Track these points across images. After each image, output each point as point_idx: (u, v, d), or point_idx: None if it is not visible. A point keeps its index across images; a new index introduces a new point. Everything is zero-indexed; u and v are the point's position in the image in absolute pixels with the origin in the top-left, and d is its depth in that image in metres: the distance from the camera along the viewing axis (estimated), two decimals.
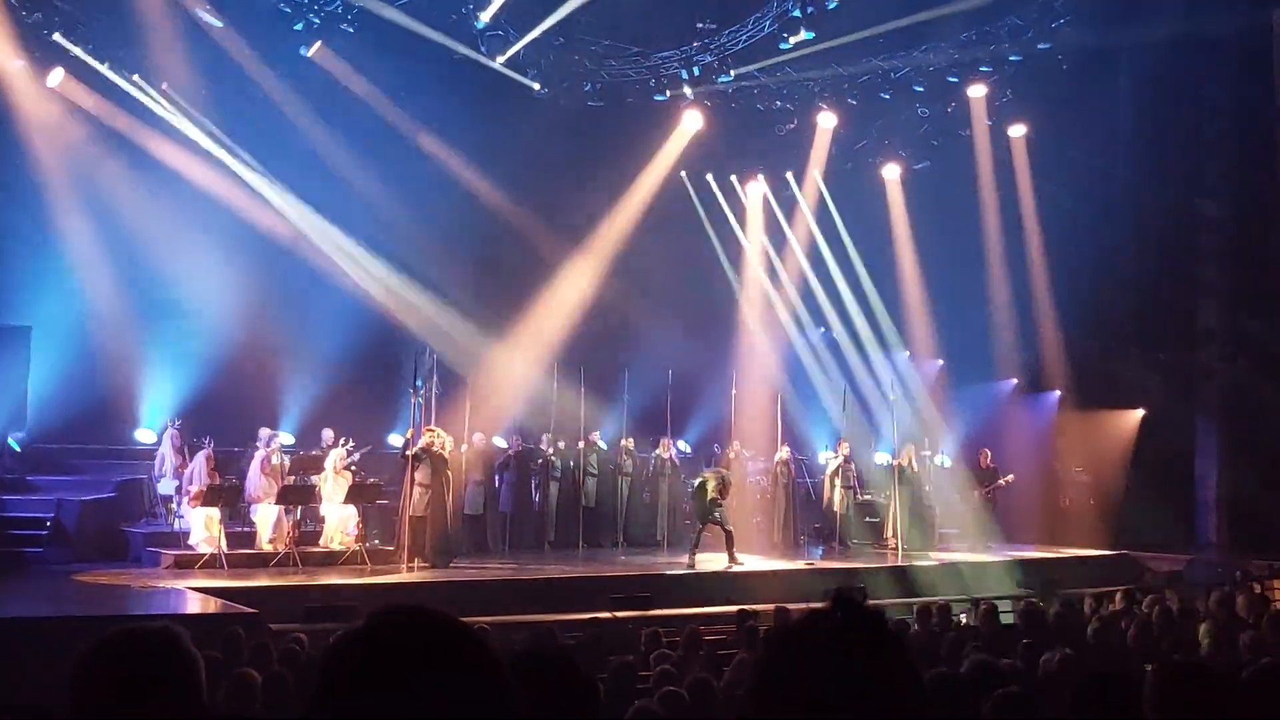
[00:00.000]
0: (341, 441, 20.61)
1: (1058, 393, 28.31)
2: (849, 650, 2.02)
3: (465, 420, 21.92)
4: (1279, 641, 10.65)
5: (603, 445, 24.85)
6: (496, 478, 23.31)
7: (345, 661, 1.94)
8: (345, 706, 1.89)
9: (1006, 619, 14.31)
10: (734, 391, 25.68)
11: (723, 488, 20.85)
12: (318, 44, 22.66)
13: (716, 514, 20.69)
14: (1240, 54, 26.10)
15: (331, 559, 19.12)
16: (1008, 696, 5.36)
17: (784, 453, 24.81)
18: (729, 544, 20.61)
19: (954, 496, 26.53)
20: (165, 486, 20.80)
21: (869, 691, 1.99)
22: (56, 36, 21.30)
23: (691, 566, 20.34)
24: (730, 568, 20.26)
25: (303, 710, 1.97)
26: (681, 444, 26.39)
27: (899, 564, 22.23)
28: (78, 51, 21.64)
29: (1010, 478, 25.29)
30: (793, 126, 26.93)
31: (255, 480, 19.79)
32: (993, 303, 28.15)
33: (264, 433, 20.82)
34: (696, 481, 21.45)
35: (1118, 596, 16.22)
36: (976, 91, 26.06)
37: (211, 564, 17.95)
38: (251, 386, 22.84)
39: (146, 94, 22.54)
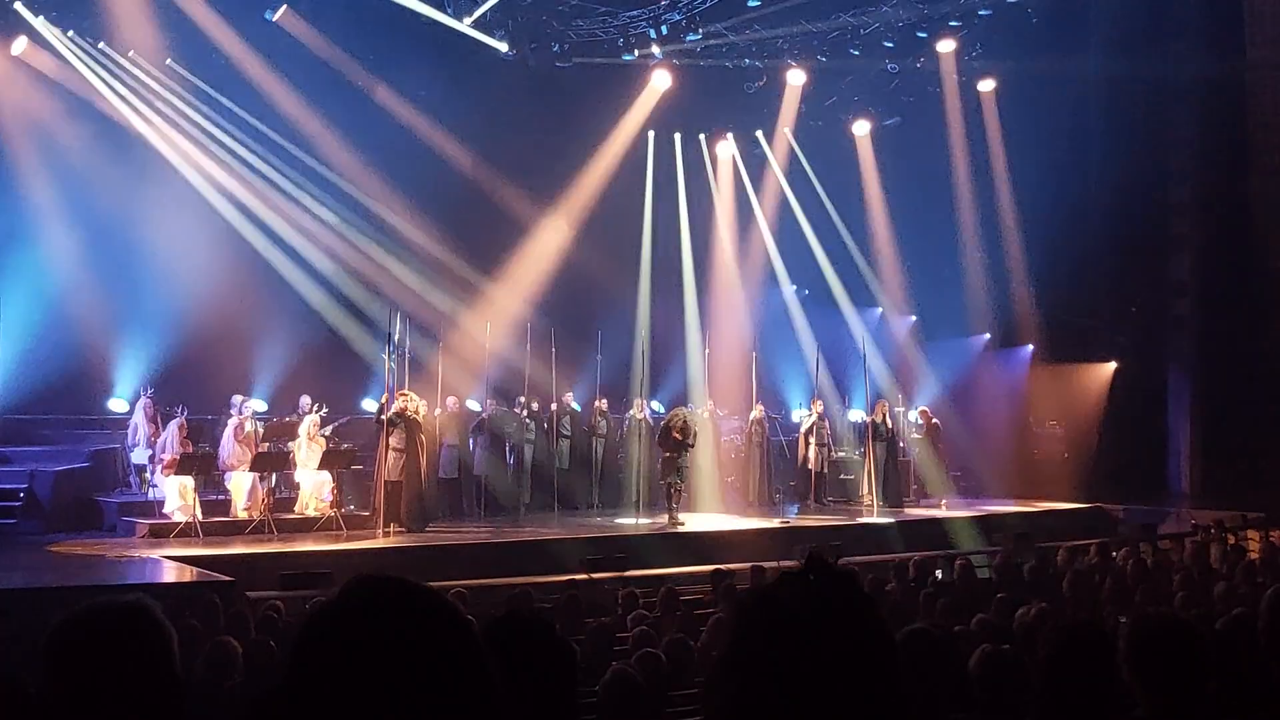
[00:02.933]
0: (316, 408, 20.58)
1: (1030, 347, 28.40)
2: (820, 612, 2.02)
3: (438, 384, 21.89)
4: (1252, 592, 10.73)
5: (576, 407, 24.87)
6: (471, 441, 23.26)
7: (318, 634, 1.93)
8: (319, 678, 1.88)
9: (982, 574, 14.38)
10: (707, 351, 25.71)
11: (684, 428, 20.87)
12: (283, 8, 22.53)
13: (681, 460, 20.73)
14: (1209, 2, 26.14)
15: (307, 525, 19.09)
16: (995, 654, 5.38)
17: (758, 411, 24.83)
18: (676, 500, 20.70)
19: (928, 452, 26.69)
20: (139, 455, 20.73)
21: (840, 653, 1.99)
22: (18, 5, 21.13)
23: (674, 525, 20.40)
24: (668, 527, 20.34)
25: (278, 679, 1.96)
26: (655, 404, 26.37)
27: (874, 520, 22.32)
28: (41, 20, 21.49)
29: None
30: (762, 84, 26.89)
31: (229, 448, 19.71)
32: (965, 258, 28.19)
33: (236, 399, 20.76)
34: (662, 424, 21.49)
35: (1092, 549, 16.33)
36: (946, 46, 26.06)
37: (186, 532, 17.89)
38: (223, 353, 22.72)
39: (111, 61, 22.40)
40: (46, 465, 20.19)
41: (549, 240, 26.23)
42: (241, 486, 19.37)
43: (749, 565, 14.69)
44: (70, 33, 22.01)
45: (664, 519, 20.89)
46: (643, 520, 21.73)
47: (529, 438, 23.94)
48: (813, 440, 24.49)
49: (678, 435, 20.72)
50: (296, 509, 19.77)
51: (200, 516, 18.35)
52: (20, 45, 21.52)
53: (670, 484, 20.91)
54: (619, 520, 22.11)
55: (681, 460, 20.86)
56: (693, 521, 20.91)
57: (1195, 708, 4.14)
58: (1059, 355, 27.87)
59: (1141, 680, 4.19)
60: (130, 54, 22.44)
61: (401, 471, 19.16)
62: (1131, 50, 26.02)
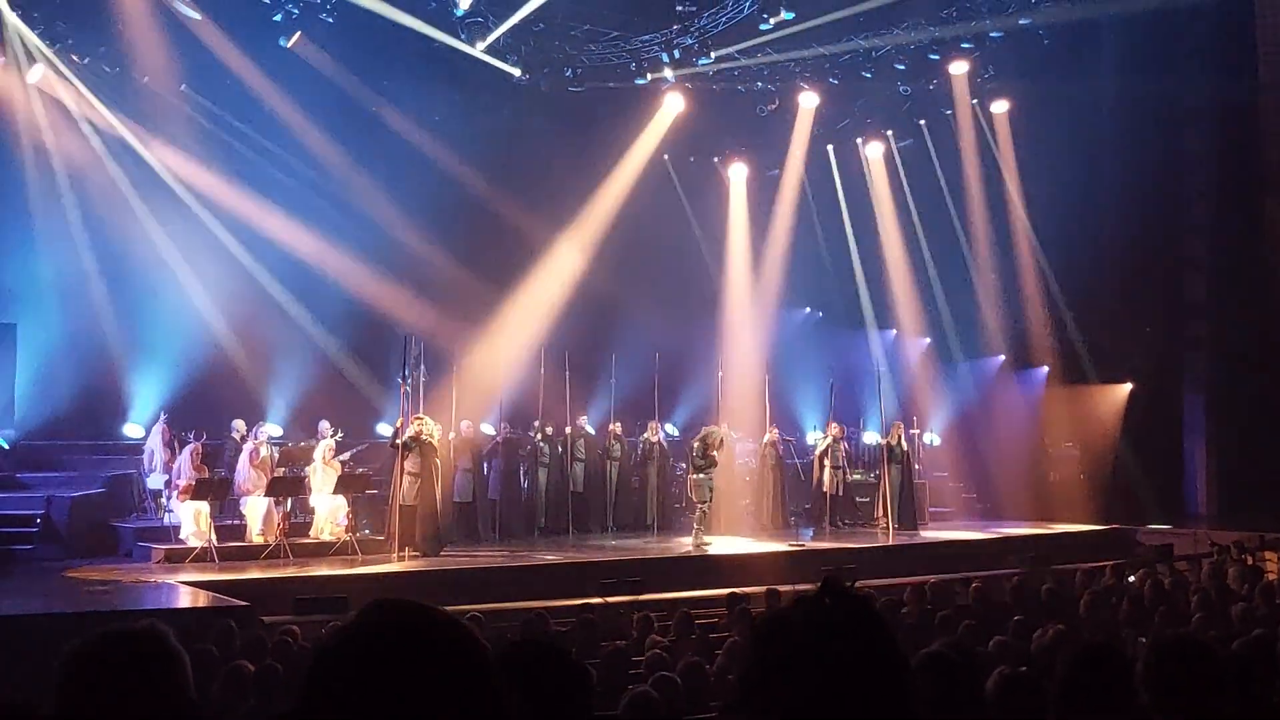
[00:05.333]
0: (333, 433, 20.59)
1: (1046, 368, 28.34)
2: (835, 636, 2.01)
3: (452, 408, 21.90)
4: (1270, 613, 10.69)
5: (590, 430, 24.83)
6: (485, 465, 23.23)
7: (336, 656, 1.93)
8: (336, 701, 1.89)
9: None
10: (720, 374, 25.70)
11: (721, 444, 20.95)
12: (297, 35, 22.61)
13: (710, 480, 20.75)
14: (1220, 23, 26.13)
15: (322, 550, 19.08)
16: (1013, 677, 5.36)
17: (772, 434, 24.79)
18: (704, 522, 20.75)
19: (943, 474, 26.65)
20: (154, 481, 20.74)
21: (856, 677, 1.99)
22: (36, 34, 21.25)
23: (703, 547, 20.46)
24: (697, 550, 20.37)
25: (293, 703, 1.96)
26: (669, 427, 26.35)
27: (890, 543, 22.28)
28: (58, 48, 21.62)
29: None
30: (774, 107, 26.90)
31: (244, 473, 19.73)
32: (979, 280, 28.17)
33: (238, 424, 20.84)
34: (699, 441, 21.41)
35: (1108, 571, 16.28)
36: (958, 69, 26.08)
37: (202, 558, 17.89)
38: (239, 379, 22.80)
39: (127, 88, 22.50)
40: (63, 491, 20.20)
41: (563, 264, 26.26)
42: (257, 511, 19.38)
43: (764, 589, 14.67)
44: (87, 60, 22.13)
45: (687, 542, 20.90)
46: (660, 543, 21.76)
47: (543, 461, 23.93)
48: (827, 463, 24.44)
49: (715, 453, 20.78)
50: (312, 534, 19.75)
51: (216, 541, 18.33)
52: (37, 73, 21.63)
53: (702, 506, 20.90)
54: (633, 543, 22.10)
55: (710, 480, 20.88)
56: (721, 545, 20.94)
57: None
58: (1074, 377, 27.81)
59: (1159, 702, 4.17)
60: (145, 80, 22.52)
61: (416, 496, 19.14)
62: (1144, 71, 26.00)
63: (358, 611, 2.00)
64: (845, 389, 26.38)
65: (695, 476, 21.05)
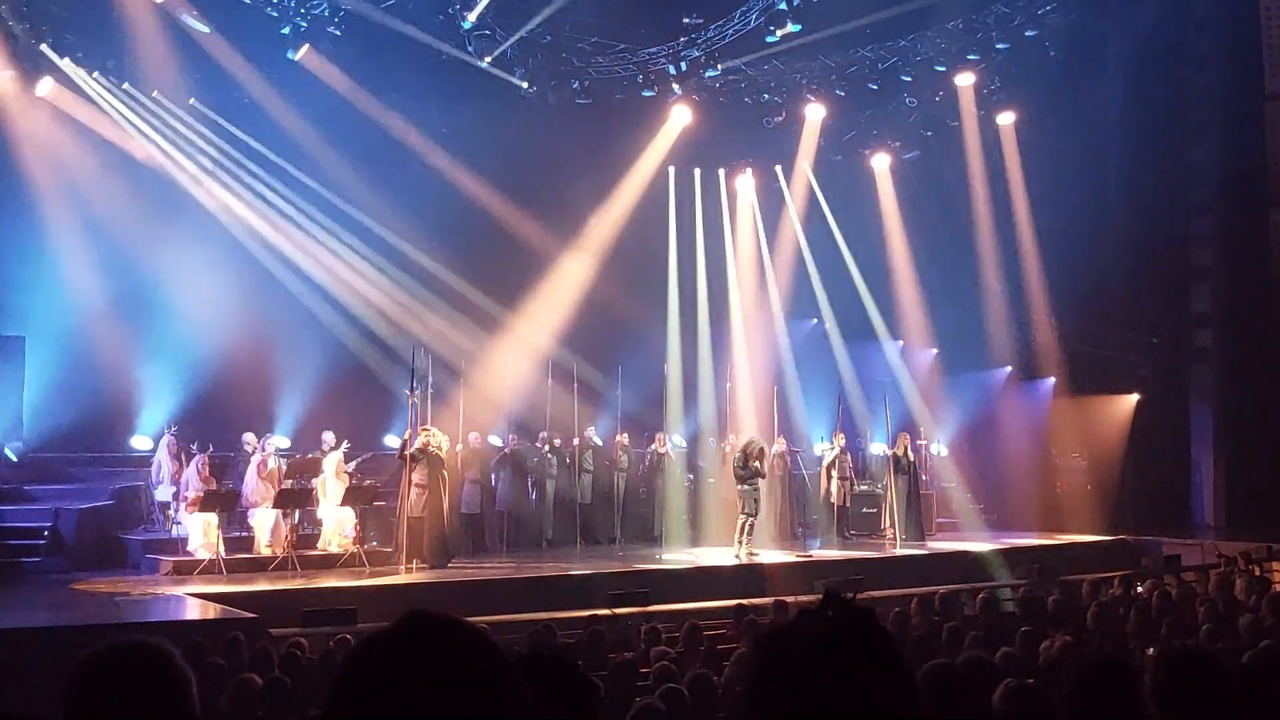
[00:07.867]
0: (341, 444, 20.58)
1: (1052, 379, 28.30)
2: (839, 650, 2.02)
3: (460, 419, 21.91)
4: (1278, 624, 10.66)
5: (598, 441, 24.81)
6: (493, 476, 23.25)
7: (367, 665, 1.96)
8: (365, 708, 1.92)
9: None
10: (728, 385, 25.69)
11: (761, 454, 21.08)
12: (305, 47, 22.63)
13: (757, 491, 21.03)
14: (1227, 35, 26.16)
15: (330, 562, 19.08)
16: (1019, 689, 5.35)
17: (780, 445, 24.77)
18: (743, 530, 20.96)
19: (951, 485, 26.61)
20: (162, 493, 20.72)
21: (859, 689, 2.00)
22: (44, 47, 21.31)
23: (747, 557, 20.68)
24: (748, 559, 20.56)
25: (305, 712, 1.99)
26: (677, 438, 26.33)
27: (897, 554, 22.27)
28: (66, 61, 21.68)
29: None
30: (781, 119, 26.91)
31: (252, 485, 19.72)
32: (986, 290, 28.14)
33: (249, 438, 20.81)
34: (740, 453, 21.49)
35: (1116, 581, 16.24)
36: (964, 80, 26.09)
37: (210, 569, 17.91)
38: (247, 391, 22.78)
39: (136, 101, 22.56)
40: (71, 503, 20.18)
41: (571, 275, 26.27)
42: (265, 523, 19.38)
43: (771, 600, 14.67)
44: (95, 73, 22.19)
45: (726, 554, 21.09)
46: (668, 554, 21.78)
47: (551, 472, 23.94)
48: (835, 474, 24.47)
49: (756, 463, 20.89)
50: (320, 545, 19.75)
51: (224, 553, 18.35)
52: (46, 86, 21.67)
53: (749, 517, 21.06)
54: (641, 555, 22.07)
55: (755, 491, 21.02)
56: (715, 556, 20.95)
57: None
58: (1081, 387, 27.77)
59: (1167, 714, 4.17)
60: (154, 94, 22.58)
61: (424, 507, 19.16)
62: (1150, 83, 26.02)
63: (398, 619, 2.03)
64: (852, 400, 26.36)
65: (740, 488, 21.13)
